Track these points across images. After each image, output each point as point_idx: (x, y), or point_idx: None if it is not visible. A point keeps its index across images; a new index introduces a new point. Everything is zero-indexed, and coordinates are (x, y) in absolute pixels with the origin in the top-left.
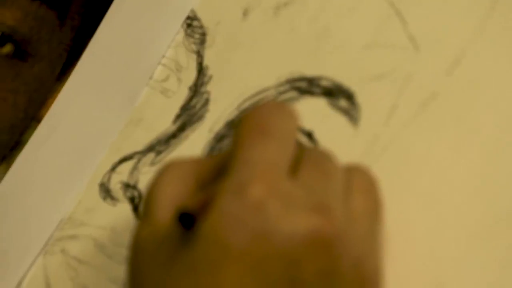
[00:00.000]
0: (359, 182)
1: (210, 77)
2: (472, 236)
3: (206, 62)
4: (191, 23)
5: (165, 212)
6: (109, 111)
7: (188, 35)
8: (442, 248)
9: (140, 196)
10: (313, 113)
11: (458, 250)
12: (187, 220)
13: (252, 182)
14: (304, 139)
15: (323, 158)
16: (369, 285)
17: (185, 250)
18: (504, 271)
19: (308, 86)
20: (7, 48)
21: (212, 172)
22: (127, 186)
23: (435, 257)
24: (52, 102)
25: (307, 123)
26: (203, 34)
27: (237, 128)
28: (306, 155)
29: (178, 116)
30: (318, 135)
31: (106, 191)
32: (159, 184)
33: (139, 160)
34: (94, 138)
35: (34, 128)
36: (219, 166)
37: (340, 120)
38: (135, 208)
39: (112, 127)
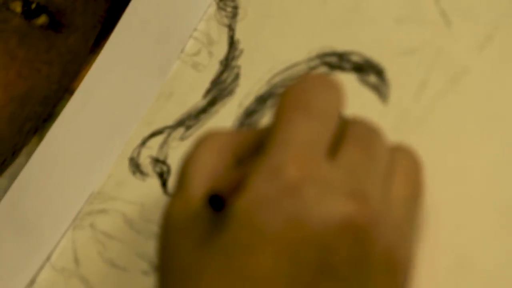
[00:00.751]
0: (403, 165)
1: (241, 51)
2: (499, 214)
3: (237, 36)
4: None
5: (199, 188)
6: (141, 84)
7: (220, 8)
8: (468, 223)
9: (169, 171)
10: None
11: (484, 227)
12: (218, 202)
13: (288, 164)
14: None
15: (368, 135)
16: (399, 273)
17: (217, 231)
18: None
19: (338, 61)
20: (42, 19)
21: (250, 146)
22: (156, 161)
23: (461, 233)
24: (85, 74)
25: None
26: (235, 7)
27: (278, 102)
28: (350, 131)
29: (208, 91)
30: (348, 111)
31: (135, 166)
32: (195, 157)
33: (169, 135)
34: (125, 111)
35: (67, 100)
36: (258, 140)
37: (370, 96)
38: (164, 184)
39: (143, 100)
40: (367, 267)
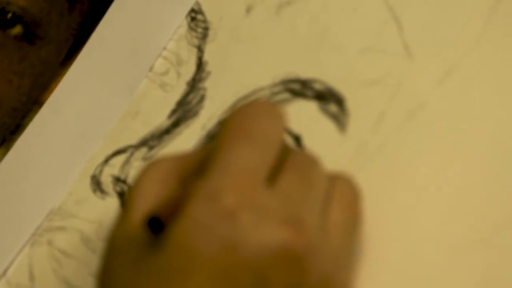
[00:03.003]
0: (341, 192)
1: (208, 73)
2: (453, 251)
3: (206, 57)
4: (195, 16)
5: (140, 212)
6: (109, 100)
7: (191, 28)
8: (420, 260)
9: None
10: (303, 116)
11: (437, 265)
12: (157, 225)
13: (225, 189)
14: (291, 143)
15: (307, 164)
16: None
17: (153, 254)
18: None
19: (301, 88)
20: (17, 30)
21: (194, 167)
22: (117, 180)
23: (413, 269)
24: (55, 87)
25: (297, 126)
26: (206, 29)
27: (221, 127)
28: (290, 159)
29: (173, 111)
30: (306, 139)
31: (96, 184)
32: (138, 185)
33: (131, 154)
34: (91, 127)
35: (35, 112)
36: (201, 162)
37: (329, 125)
38: (123, 204)
39: (109, 117)
40: None
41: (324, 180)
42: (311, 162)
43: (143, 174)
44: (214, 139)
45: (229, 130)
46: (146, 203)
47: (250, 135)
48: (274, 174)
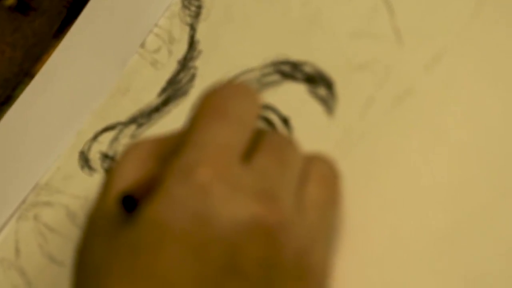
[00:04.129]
0: (318, 171)
1: (200, 52)
2: (434, 239)
3: (198, 36)
4: None
5: (115, 192)
6: (100, 74)
7: (184, 6)
8: (401, 242)
9: None
10: (292, 99)
11: (417, 247)
12: (130, 203)
13: (200, 164)
14: (279, 125)
15: (283, 145)
16: (311, 277)
17: (126, 230)
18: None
19: (291, 70)
20: (11, 1)
21: (173, 148)
22: (105, 156)
23: (395, 252)
24: (46, 59)
25: (285, 108)
26: (199, 7)
27: (197, 105)
28: (265, 140)
29: (163, 90)
30: (294, 121)
31: (85, 160)
32: (118, 165)
33: (120, 131)
34: (82, 100)
35: (26, 84)
36: (179, 142)
37: (317, 108)
38: None
39: (100, 91)
40: (276, 269)
41: (300, 159)
42: (287, 143)
43: (124, 154)
44: (190, 119)
45: (205, 109)
46: (123, 182)
47: (225, 115)
48: (249, 153)
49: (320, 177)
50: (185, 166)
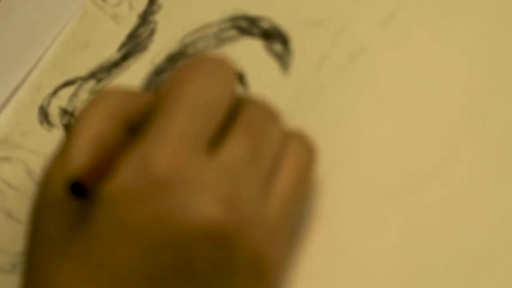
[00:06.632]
0: (292, 156)
1: (160, 6)
2: (384, 200)
3: None
4: None
5: (80, 153)
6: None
7: None
8: (351, 205)
9: None
10: (248, 54)
11: (368, 212)
12: (80, 190)
13: (160, 157)
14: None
15: (261, 124)
16: (268, 277)
17: (82, 218)
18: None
19: (248, 25)
20: None
21: (142, 113)
22: (64, 112)
23: (341, 214)
24: None
25: (241, 64)
26: None
27: (164, 87)
28: (242, 118)
29: (123, 44)
30: (250, 77)
31: (44, 115)
32: (84, 117)
33: (80, 86)
34: (41, 31)
35: None
36: (146, 112)
37: (272, 65)
38: None
39: (60, 21)
40: (230, 272)
41: (277, 141)
42: (265, 120)
43: (91, 105)
44: (158, 95)
45: (173, 92)
46: (87, 145)
47: (193, 99)
48: (221, 135)
49: (293, 163)
50: (145, 156)
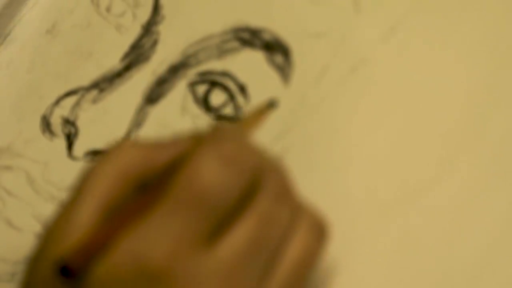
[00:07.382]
0: (298, 243)
1: (163, 17)
2: (380, 211)
3: (162, 0)
4: None
5: (79, 227)
6: None
7: None
8: (349, 211)
9: (76, 133)
10: (249, 66)
11: (363, 223)
12: (68, 272)
13: (157, 252)
14: (238, 93)
15: (270, 211)
16: None
17: None
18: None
19: (250, 37)
20: None
21: (157, 173)
22: (66, 121)
23: (343, 219)
24: None
25: (243, 76)
26: None
27: (186, 150)
28: (253, 204)
29: (126, 55)
30: (251, 89)
31: (46, 124)
32: (92, 175)
33: (82, 96)
34: None
35: None
36: (166, 171)
37: (273, 76)
38: (70, 146)
39: None
40: None
41: (284, 226)
42: (276, 204)
43: (101, 161)
44: (177, 163)
45: (183, 185)
46: (92, 210)
47: (204, 195)
48: (228, 220)
49: (297, 251)
50: (141, 247)
